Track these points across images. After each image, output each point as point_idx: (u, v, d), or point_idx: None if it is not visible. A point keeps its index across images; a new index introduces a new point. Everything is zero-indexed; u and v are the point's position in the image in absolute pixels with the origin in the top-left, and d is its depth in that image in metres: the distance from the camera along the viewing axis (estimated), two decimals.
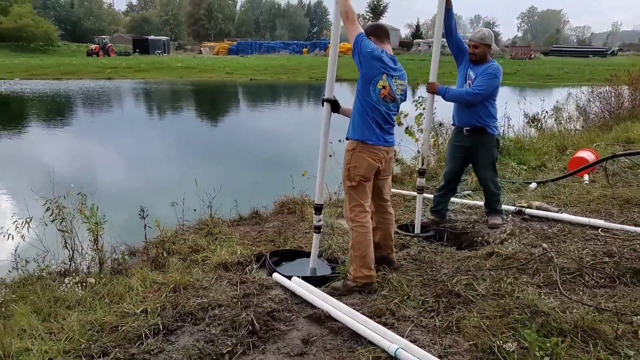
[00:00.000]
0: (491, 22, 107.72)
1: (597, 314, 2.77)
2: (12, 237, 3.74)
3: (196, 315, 2.91)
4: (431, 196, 4.88)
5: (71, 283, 3.08)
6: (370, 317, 2.81)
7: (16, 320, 2.85)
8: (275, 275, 3.40)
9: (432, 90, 4.32)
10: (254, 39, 70.17)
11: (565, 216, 4.54)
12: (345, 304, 3.00)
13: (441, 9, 4.09)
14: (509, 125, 8.68)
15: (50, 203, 3.91)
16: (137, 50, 53.30)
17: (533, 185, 5.87)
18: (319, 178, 3.53)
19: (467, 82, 4.31)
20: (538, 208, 4.78)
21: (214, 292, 3.24)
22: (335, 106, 3.42)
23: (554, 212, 4.69)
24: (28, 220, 3.87)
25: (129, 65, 36.01)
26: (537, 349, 2.19)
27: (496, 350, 2.45)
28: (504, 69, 4.54)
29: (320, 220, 3.60)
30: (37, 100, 21.52)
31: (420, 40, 60.17)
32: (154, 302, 3.04)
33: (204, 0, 75.35)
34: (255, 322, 2.72)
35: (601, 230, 4.19)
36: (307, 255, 3.79)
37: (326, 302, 2.98)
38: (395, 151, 3.66)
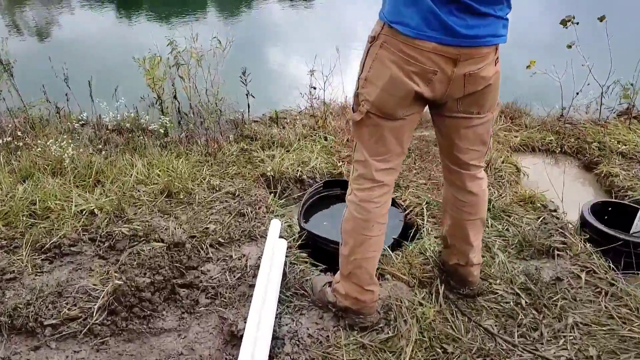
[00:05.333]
0: None
1: None
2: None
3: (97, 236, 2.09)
4: None
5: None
6: None
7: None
8: (273, 221, 2.14)
9: None
10: None
11: None
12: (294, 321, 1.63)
13: None
14: None
15: None
16: None
17: None
18: None
19: None
20: None
21: (194, 211, 2.29)
22: None
23: None
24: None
25: None
26: None
27: None
28: None
29: None
30: None
31: None
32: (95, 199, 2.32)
33: None
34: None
35: None
36: None
37: (260, 295, 1.65)
38: (496, 56, 1.40)
